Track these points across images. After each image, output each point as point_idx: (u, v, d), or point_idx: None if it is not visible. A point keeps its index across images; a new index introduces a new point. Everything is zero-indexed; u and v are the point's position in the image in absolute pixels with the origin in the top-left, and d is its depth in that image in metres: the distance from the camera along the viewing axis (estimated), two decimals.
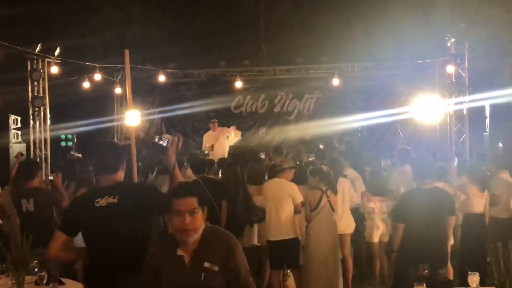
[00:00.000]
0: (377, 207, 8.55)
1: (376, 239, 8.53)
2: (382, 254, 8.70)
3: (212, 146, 15.03)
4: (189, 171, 8.83)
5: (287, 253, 7.71)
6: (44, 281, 5.51)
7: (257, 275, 8.35)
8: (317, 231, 7.63)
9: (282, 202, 7.67)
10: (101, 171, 4.54)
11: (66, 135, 16.29)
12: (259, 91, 18.15)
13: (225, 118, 17.92)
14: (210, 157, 13.86)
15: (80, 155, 15.22)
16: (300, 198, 7.73)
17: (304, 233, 7.84)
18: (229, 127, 16.98)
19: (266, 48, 19.13)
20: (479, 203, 8.28)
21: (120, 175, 4.54)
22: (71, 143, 16.69)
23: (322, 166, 8.41)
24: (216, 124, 15.36)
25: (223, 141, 15.09)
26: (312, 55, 17.66)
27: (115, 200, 4.32)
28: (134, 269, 4.06)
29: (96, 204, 4.30)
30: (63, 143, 16.19)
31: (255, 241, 8.23)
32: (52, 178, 9.77)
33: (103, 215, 4.28)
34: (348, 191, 8.42)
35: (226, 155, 14.08)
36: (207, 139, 15.61)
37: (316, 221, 7.62)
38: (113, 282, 4.24)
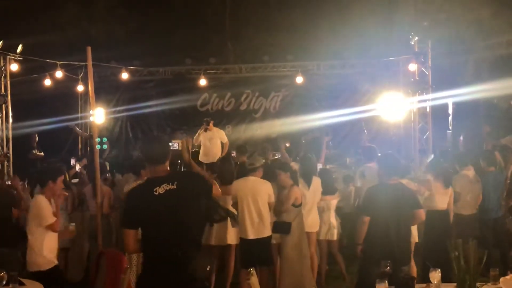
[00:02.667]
0: (326, 205, 8.68)
1: (322, 237, 8.70)
2: (335, 252, 8.83)
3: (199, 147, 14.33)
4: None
5: (261, 251, 7.70)
6: (4, 282, 5.42)
7: (220, 273, 8.34)
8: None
9: (259, 200, 7.67)
10: (153, 163, 4.76)
11: (101, 139, 16.17)
12: (225, 89, 18.11)
13: (191, 116, 17.85)
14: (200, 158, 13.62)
15: (42, 154, 14.98)
16: (273, 196, 7.77)
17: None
18: (196, 125, 16.94)
19: (232, 46, 19.11)
20: (442, 200, 8.36)
21: (168, 164, 4.80)
22: (105, 146, 16.58)
23: (292, 163, 8.46)
24: (212, 123, 14.43)
25: (217, 142, 14.19)
26: (278, 53, 17.69)
27: (175, 187, 4.58)
28: (195, 250, 4.59)
29: (154, 192, 4.54)
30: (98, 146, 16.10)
31: (212, 241, 8.14)
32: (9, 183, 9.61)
33: (164, 201, 4.54)
34: (318, 190, 8.46)
35: (211, 160, 13.71)
36: (200, 138, 14.35)
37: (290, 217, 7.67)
38: (177, 262, 4.50)
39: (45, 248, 6.48)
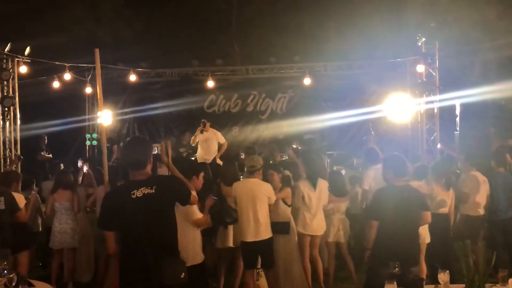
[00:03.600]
0: (336, 207, 8.65)
1: (331, 239, 8.67)
2: (345, 254, 8.80)
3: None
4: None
5: (263, 253, 7.67)
6: (13, 283, 5.44)
7: (230, 274, 8.36)
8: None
9: (259, 202, 7.57)
10: (133, 168, 4.72)
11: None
12: (232, 90, 18.11)
13: (198, 118, 17.86)
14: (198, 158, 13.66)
15: (50, 155, 15.03)
16: (274, 198, 7.74)
17: None
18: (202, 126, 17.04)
19: (239, 48, 19.13)
20: (444, 203, 8.35)
21: (150, 168, 4.76)
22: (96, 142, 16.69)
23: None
24: (208, 125, 14.59)
25: (213, 143, 14.17)
26: (284, 55, 17.69)
27: (153, 191, 4.57)
28: (168, 254, 4.54)
29: (132, 195, 4.53)
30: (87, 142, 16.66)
31: (230, 243, 8.15)
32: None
33: (141, 205, 4.53)
34: (325, 192, 8.39)
35: (211, 159, 13.75)
36: (197, 139, 14.42)
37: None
38: (148, 267, 4.48)
39: None
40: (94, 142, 16.88)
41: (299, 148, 14.29)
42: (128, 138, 5.48)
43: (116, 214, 4.61)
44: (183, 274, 4.58)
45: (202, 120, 14.33)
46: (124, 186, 4.98)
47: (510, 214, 9.24)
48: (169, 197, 4.69)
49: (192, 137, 14.23)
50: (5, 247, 7.73)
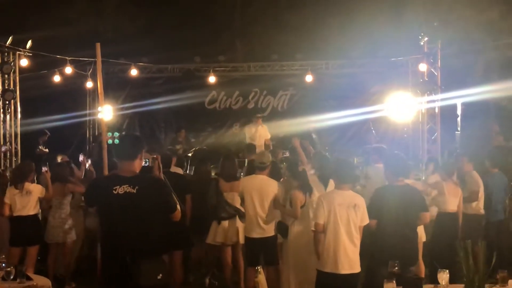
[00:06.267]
0: None
1: None
2: None
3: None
4: None
5: (267, 250, 7.68)
6: (11, 276, 5.44)
7: (233, 271, 8.39)
8: (300, 228, 7.46)
9: (266, 199, 7.61)
10: (120, 158, 4.72)
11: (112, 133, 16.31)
12: (233, 87, 18.06)
13: (199, 114, 17.88)
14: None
15: (47, 150, 15.00)
16: (280, 195, 7.70)
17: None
18: (203, 123, 17.07)
19: (241, 44, 19.08)
20: (453, 201, 8.34)
21: (138, 164, 4.73)
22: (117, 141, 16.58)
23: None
24: (260, 120, 15.41)
25: (262, 139, 15.05)
26: (286, 52, 17.64)
27: (134, 191, 4.52)
28: (146, 255, 4.46)
29: (114, 191, 4.51)
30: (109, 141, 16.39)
31: (220, 239, 8.14)
32: None
33: (120, 203, 4.51)
34: None
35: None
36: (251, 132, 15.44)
37: (301, 218, 7.45)
38: (125, 269, 4.44)
39: None
40: (116, 141, 16.87)
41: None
42: (122, 134, 5.56)
43: (97, 204, 4.73)
44: (161, 275, 4.55)
45: (257, 115, 15.11)
46: (109, 178, 5.00)
47: (503, 215, 9.27)
48: (149, 200, 4.60)
49: (247, 129, 15.22)
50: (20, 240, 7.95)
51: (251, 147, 10.75)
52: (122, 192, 4.51)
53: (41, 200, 8.48)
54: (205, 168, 9.00)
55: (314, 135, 16.15)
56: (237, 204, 8.10)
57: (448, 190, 8.30)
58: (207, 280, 8.86)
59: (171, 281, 7.73)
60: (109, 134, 16.02)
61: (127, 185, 4.53)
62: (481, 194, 8.92)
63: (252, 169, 8.15)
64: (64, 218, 8.69)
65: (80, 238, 9.24)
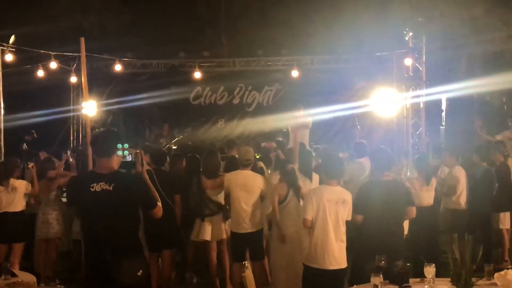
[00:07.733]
0: None
1: None
2: None
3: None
4: None
5: (253, 245, 7.69)
6: None
7: (218, 267, 8.35)
8: (284, 223, 7.49)
9: (252, 194, 7.63)
10: (96, 154, 4.73)
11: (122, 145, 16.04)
12: (218, 82, 18.04)
13: (184, 109, 17.84)
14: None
15: (27, 147, 14.84)
16: (266, 190, 7.72)
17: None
18: (188, 118, 17.03)
19: (226, 40, 19.03)
20: (427, 196, 8.41)
21: (115, 160, 4.72)
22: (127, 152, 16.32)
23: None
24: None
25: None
26: (272, 48, 17.64)
27: (110, 188, 4.52)
28: (125, 253, 4.49)
29: (91, 188, 4.51)
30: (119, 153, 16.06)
31: (206, 237, 8.09)
32: None
33: (97, 200, 4.50)
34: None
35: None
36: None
37: (285, 213, 7.47)
38: (105, 266, 4.46)
39: None
40: (126, 153, 16.69)
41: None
42: (100, 130, 5.53)
43: (77, 202, 4.77)
44: (141, 271, 4.59)
45: (299, 105, 14.30)
46: (86, 175, 5.04)
47: (488, 208, 9.33)
48: (126, 197, 4.58)
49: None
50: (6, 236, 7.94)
51: (230, 143, 10.68)
52: (99, 189, 4.51)
53: (28, 197, 8.42)
54: (180, 163, 8.89)
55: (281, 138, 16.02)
56: (221, 201, 8.09)
57: (417, 185, 8.36)
58: (189, 277, 8.77)
59: (160, 281, 7.69)
60: (119, 145, 15.87)
61: (104, 183, 4.53)
62: (462, 189, 8.98)
63: (231, 165, 8.13)
64: (52, 214, 8.64)
65: (65, 235, 9.18)
